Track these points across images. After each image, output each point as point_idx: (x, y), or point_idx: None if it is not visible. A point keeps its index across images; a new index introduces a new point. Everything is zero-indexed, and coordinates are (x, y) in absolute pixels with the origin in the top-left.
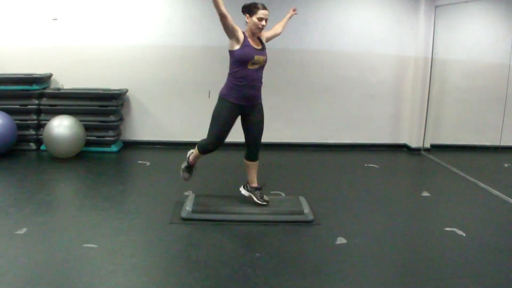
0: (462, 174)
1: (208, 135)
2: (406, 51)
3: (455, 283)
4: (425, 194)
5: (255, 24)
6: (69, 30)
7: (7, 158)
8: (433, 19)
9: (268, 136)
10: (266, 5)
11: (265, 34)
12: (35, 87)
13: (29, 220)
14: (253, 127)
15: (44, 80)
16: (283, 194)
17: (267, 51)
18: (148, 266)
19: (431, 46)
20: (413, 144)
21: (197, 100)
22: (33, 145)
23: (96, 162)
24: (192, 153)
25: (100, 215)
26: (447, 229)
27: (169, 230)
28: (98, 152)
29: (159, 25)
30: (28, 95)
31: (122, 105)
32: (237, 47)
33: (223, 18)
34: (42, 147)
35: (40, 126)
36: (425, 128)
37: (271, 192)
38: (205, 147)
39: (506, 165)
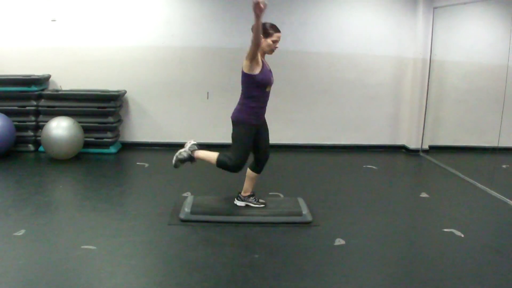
0: (461, 175)
1: (233, 159)
2: (404, 52)
3: (453, 283)
4: (424, 195)
5: (269, 46)
6: (67, 31)
7: (5, 159)
8: (431, 20)
9: None
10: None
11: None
12: (33, 88)
13: (27, 221)
14: (264, 142)
15: (42, 81)
16: (281, 195)
17: None
18: (147, 267)
19: (430, 48)
20: (412, 145)
21: (196, 101)
22: (31, 147)
23: (95, 164)
24: (197, 149)
25: (99, 216)
26: (445, 230)
27: (167, 231)
28: (97, 154)
29: (158, 26)
30: (26, 97)
31: (120, 106)
32: (257, 70)
33: (258, 46)
34: (41, 149)
35: (38, 127)
36: (423, 129)
37: (270, 193)
38: (227, 168)
39: (504, 166)
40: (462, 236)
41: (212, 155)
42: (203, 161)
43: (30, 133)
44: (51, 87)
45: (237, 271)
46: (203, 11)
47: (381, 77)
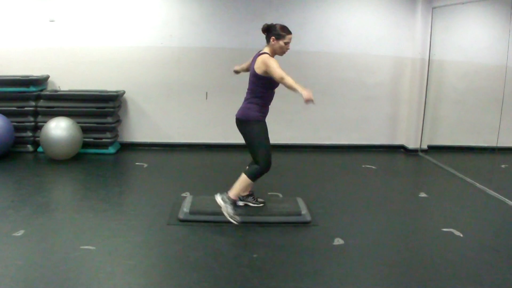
0: (459, 175)
1: (261, 160)
2: (403, 52)
3: (452, 283)
4: (423, 195)
5: (281, 48)
6: (66, 32)
7: (4, 160)
8: (430, 20)
9: None
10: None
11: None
12: (32, 89)
13: (26, 222)
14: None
15: (41, 82)
16: (280, 195)
17: None
18: (146, 268)
19: (428, 48)
20: (411, 145)
21: (194, 102)
22: (30, 147)
23: (94, 164)
24: (227, 194)
25: (98, 216)
26: (444, 229)
27: (166, 231)
28: (96, 154)
29: (156, 27)
30: (25, 97)
31: (119, 106)
32: None
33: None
34: (39, 149)
35: (37, 128)
36: (422, 129)
37: (269, 193)
38: (262, 171)
39: (503, 166)
40: (461, 235)
41: (242, 180)
42: (247, 187)
43: (29, 133)
44: (49, 87)
45: (236, 271)
46: (201, 11)
47: (380, 77)
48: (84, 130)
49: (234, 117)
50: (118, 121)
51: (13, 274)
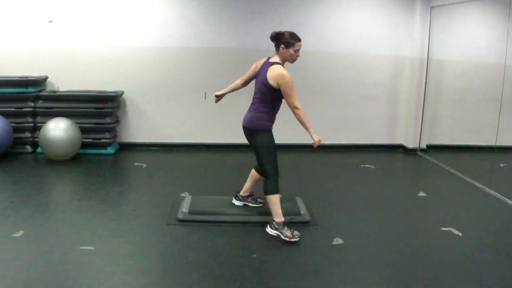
0: (458, 174)
1: (269, 169)
2: (402, 52)
3: (451, 282)
4: (422, 194)
5: (292, 56)
6: (64, 32)
7: (3, 160)
8: (428, 20)
9: None
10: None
11: (245, 77)
12: (30, 89)
13: (25, 222)
14: None
15: (39, 82)
16: (279, 195)
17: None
18: (145, 268)
19: (427, 47)
20: (410, 144)
21: (193, 102)
22: (29, 148)
23: (93, 164)
24: (274, 217)
25: (97, 217)
26: (443, 228)
27: (166, 231)
28: (95, 154)
29: (155, 27)
30: (23, 98)
31: (118, 107)
32: None
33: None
34: (38, 150)
35: (36, 128)
36: (421, 129)
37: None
38: (275, 179)
39: (502, 165)
40: (460, 235)
41: (270, 201)
42: (279, 203)
43: (28, 134)
44: (48, 88)
45: (236, 271)
46: (200, 11)
47: (378, 76)
48: (83, 130)
49: (234, 117)
50: (117, 121)
51: (12, 274)
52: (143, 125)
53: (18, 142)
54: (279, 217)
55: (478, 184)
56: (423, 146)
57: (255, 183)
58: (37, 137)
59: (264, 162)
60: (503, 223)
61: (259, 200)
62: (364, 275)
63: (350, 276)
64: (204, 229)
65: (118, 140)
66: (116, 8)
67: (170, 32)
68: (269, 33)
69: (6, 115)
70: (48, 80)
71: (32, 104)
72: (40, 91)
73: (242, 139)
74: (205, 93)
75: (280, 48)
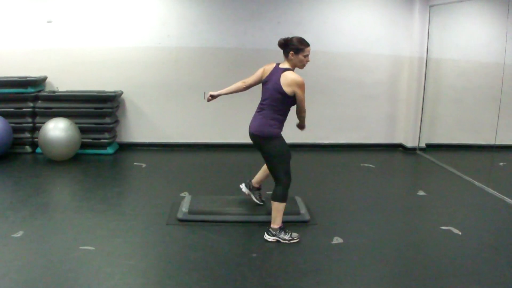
0: (458, 173)
1: (282, 175)
2: (401, 51)
3: (451, 281)
4: (421, 193)
5: (301, 61)
6: (63, 33)
7: (2, 161)
8: (427, 18)
9: None
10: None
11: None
12: (30, 89)
13: (25, 223)
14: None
15: (38, 82)
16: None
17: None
18: (145, 268)
19: (426, 46)
20: (409, 143)
21: (192, 102)
22: (28, 148)
23: (92, 165)
24: (272, 223)
25: (97, 217)
26: (443, 227)
27: (165, 231)
28: (94, 154)
29: (154, 27)
30: (23, 98)
31: (117, 107)
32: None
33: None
34: (38, 150)
35: (35, 129)
36: (420, 128)
37: (268, 192)
38: (287, 187)
39: (501, 163)
40: (460, 233)
41: (275, 207)
42: (280, 215)
43: (27, 134)
44: (47, 88)
45: (235, 271)
46: (199, 11)
47: (377, 75)
48: (83, 130)
49: (233, 118)
50: (116, 121)
51: (12, 275)
52: (143, 125)
53: (17, 143)
54: (277, 224)
55: (477, 183)
56: (423, 145)
57: (267, 176)
58: (37, 138)
59: (277, 171)
60: (502, 222)
61: (262, 198)
62: (364, 274)
63: (350, 275)
64: (204, 229)
65: (117, 140)
66: (115, 8)
67: (169, 32)
68: (268, 33)
69: (6, 115)
70: (47, 80)
71: (31, 104)
72: (39, 91)
73: (242, 139)
74: (204, 93)
75: (290, 55)
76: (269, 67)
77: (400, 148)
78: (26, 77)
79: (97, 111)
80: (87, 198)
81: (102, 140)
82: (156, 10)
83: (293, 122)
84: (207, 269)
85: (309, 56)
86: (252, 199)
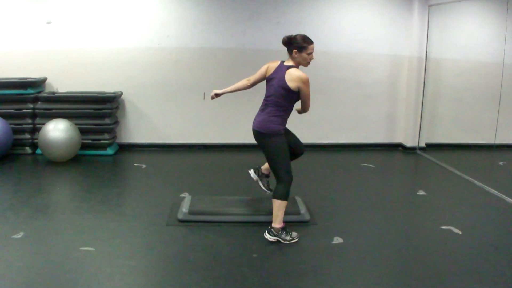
0: (458, 172)
1: (283, 173)
2: (400, 51)
3: (451, 280)
4: (421, 192)
5: (305, 59)
6: (63, 34)
7: (2, 162)
8: (426, 18)
9: None
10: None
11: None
12: (29, 91)
13: (25, 224)
14: (292, 136)
15: (38, 84)
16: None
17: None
18: (145, 268)
19: (425, 46)
20: (409, 143)
21: (192, 102)
22: (28, 149)
23: (92, 165)
24: (274, 222)
25: (97, 218)
26: (443, 227)
27: (165, 232)
28: (94, 155)
29: (153, 27)
30: (23, 99)
31: (117, 108)
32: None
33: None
34: (38, 151)
35: (35, 130)
36: (420, 127)
37: (267, 192)
38: (288, 185)
39: (501, 163)
40: (460, 233)
41: (277, 206)
42: (281, 214)
43: (27, 135)
44: (47, 89)
45: (236, 271)
46: (198, 11)
47: (377, 75)
48: (82, 131)
49: (233, 118)
50: (116, 122)
51: (13, 275)
52: (142, 125)
53: (17, 144)
54: (279, 223)
55: (477, 182)
56: (422, 144)
57: None
58: (37, 139)
59: (278, 168)
60: (502, 221)
61: (270, 187)
62: (364, 273)
63: (350, 275)
64: (204, 229)
65: (117, 141)
66: (114, 9)
67: (168, 32)
68: (267, 33)
69: (5, 116)
70: (47, 81)
71: (31, 106)
72: (39, 92)
73: (241, 139)
74: (204, 93)
75: (293, 53)
76: (274, 65)
77: (400, 148)
78: (26, 78)
79: (97, 112)
80: (87, 199)
81: (102, 141)
82: (156, 11)
83: (293, 122)
84: (207, 270)
85: (313, 54)
86: (259, 185)
